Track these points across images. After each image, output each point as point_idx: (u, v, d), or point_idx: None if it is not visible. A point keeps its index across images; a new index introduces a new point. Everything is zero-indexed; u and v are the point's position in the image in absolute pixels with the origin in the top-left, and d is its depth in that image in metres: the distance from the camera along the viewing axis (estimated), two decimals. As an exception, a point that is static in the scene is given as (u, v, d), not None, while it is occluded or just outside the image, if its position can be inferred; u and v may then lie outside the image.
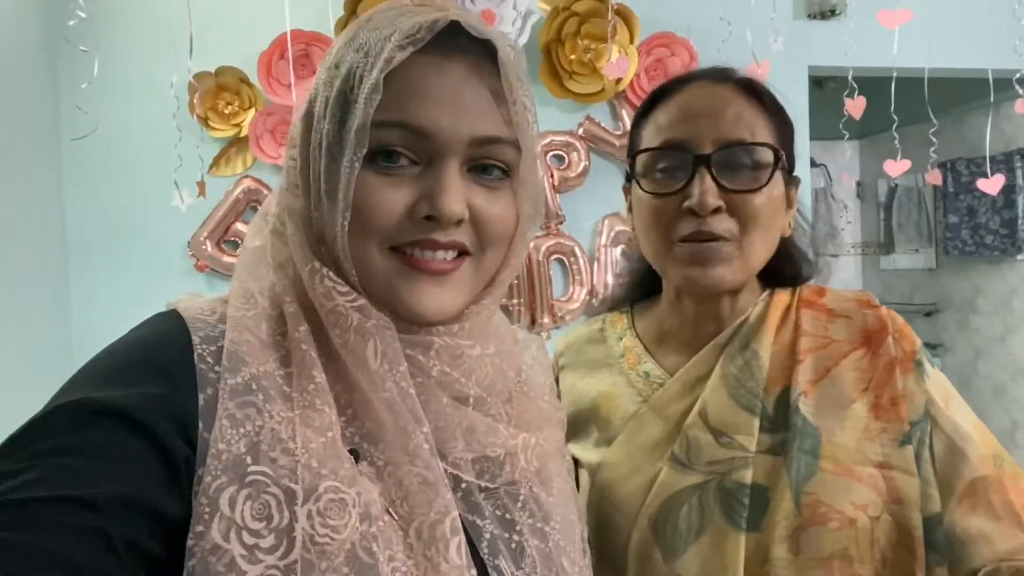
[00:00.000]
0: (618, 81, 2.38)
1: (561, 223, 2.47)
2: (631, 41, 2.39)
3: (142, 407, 0.46)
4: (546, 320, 2.44)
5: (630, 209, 0.90)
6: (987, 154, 2.60)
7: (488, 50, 0.57)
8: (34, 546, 0.41)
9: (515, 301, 2.42)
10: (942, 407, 0.78)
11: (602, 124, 2.47)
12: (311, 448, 0.50)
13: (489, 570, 0.56)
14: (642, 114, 0.88)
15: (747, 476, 0.76)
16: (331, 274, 0.54)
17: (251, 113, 2.31)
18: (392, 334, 0.55)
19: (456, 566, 0.51)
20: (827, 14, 2.57)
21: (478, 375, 0.60)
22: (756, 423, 0.78)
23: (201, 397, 0.49)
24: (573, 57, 2.36)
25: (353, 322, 0.53)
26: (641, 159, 0.84)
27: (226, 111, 2.29)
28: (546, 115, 2.40)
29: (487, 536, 0.57)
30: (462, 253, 0.58)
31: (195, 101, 2.19)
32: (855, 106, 2.36)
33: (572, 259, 2.47)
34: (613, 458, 0.83)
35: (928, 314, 3.89)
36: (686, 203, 0.79)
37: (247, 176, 2.35)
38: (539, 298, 2.44)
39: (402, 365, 0.55)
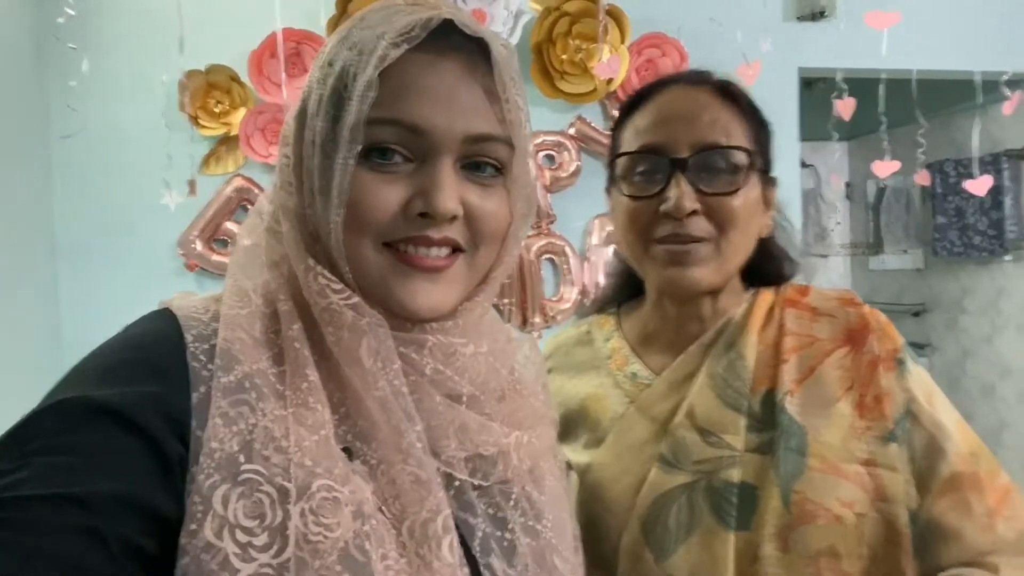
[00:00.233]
0: (609, 81, 2.39)
1: (552, 223, 2.47)
2: (622, 41, 2.40)
3: (135, 405, 0.46)
4: (537, 320, 2.44)
5: (611, 211, 0.91)
6: (975, 155, 2.62)
7: (481, 48, 0.58)
8: (28, 545, 0.41)
9: (506, 301, 2.42)
10: (923, 404, 0.79)
11: (593, 124, 2.47)
12: (304, 446, 0.50)
13: (481, 568, 0.56)
14: (622, 118, 0.89)
15: (735, 475, 0.76)
16: (325, 272, 0.54)
17: (242, 112, 2.31)
18: (386, 332, 0.55)
19: (448, 564, 0.52)
20: (816, 15, 2.59)
21: (471, 373, 0.60)
22: (743, 422, 0.79)
23: (194, 395, 0.49)
24: (564, 57, 2.36)
25: (347, 320, 0.53)
26: (620, 162, 0.86)
27: (216, 109, 2.28)
28: (537, 115, 2.40)
29: (479, 534, 0.57)
30: (456, 250, 0.58)
31: (185, 99, 2.18)
32: (844, 107, 2.38)
33: (563, 259, 2.47)
34: (602, 459, 0.84)
35: (916, 314, 3.91)
36: (663, 206, 0.80)
37: (238, 175, 2.34)
38: (530, 298, 2.44)
39: (395, 363, 0.55)
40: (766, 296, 0.88)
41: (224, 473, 0.47)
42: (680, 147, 0.81)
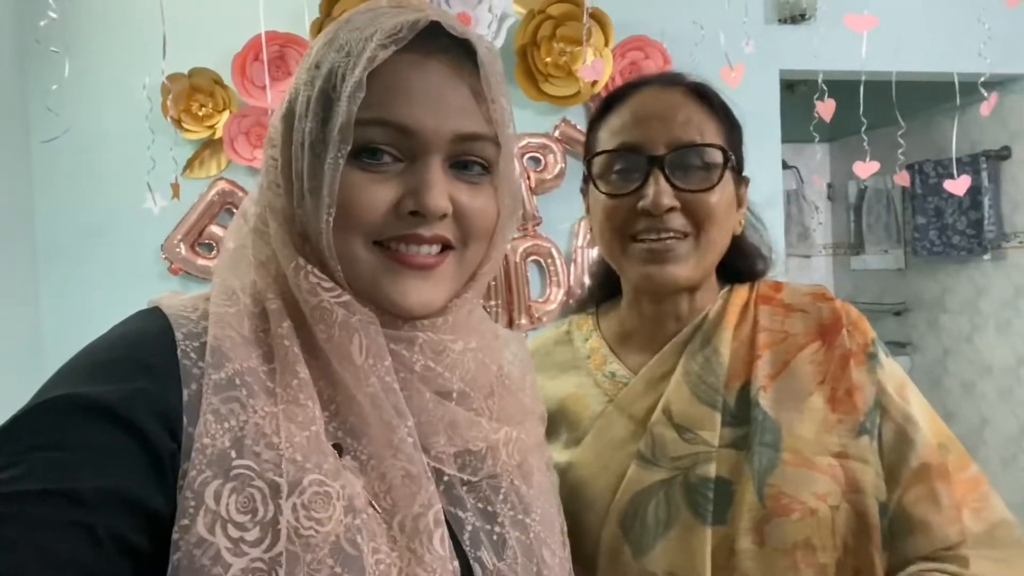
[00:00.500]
0: (593, 84, 2.40)
1: (538, 225, 2.48)
2: (606, 44, 2.41)
3: (127, 402, 0.47)
4: (523, 321, 2.45)
5: (588, 211, 0.92)
6: (953, 156, 2.66)
7: (467, 50, 0.59)
8: (20, 540, 0.41)
9: (493, 302, 2.42)
10: (893, 396, 0.80)
11: (578, 126, 2.48)
12: (295, 442, 0.50)
13: (471, 561, 0.57)
14: (597, 118, 0.90)
15: (711, 470, 0.78)
16: (316, 271, 0.55)
17: (225, 115, 2.30)
18: (376, 329, 0.55)
19: (439, 557, 0.52)
20: (797, 18, 2.62)
21: (461, 370, 0.61)
22: (718, 418, 0.80)
23: (185, 392, 0.50)
24: (548, 60, 2.38)
25: (338, 318, 0.54)
26: (597, 161, 0.87)
27: (200, 113, 2.27)
28: (522, 117, 2.41)
29: (469, 528, 0.58)
30: (446, 248, 0.59)
31: (168, 103, 2.17)
32: (825, 108, 2.41)
33: (549, 260, 2.48)
34: (582, 458, 0.85)
35: (897, 313, 3.95)
36: (641, 203, 0.81)
37: (221, 178, 2.33)
38: (516, 299, 2.45)
39: (386, 360, 0.55)
40: (740, 293, 0.90)
41: (216, 469, 0.47)
42: (657, 145, 0.82)
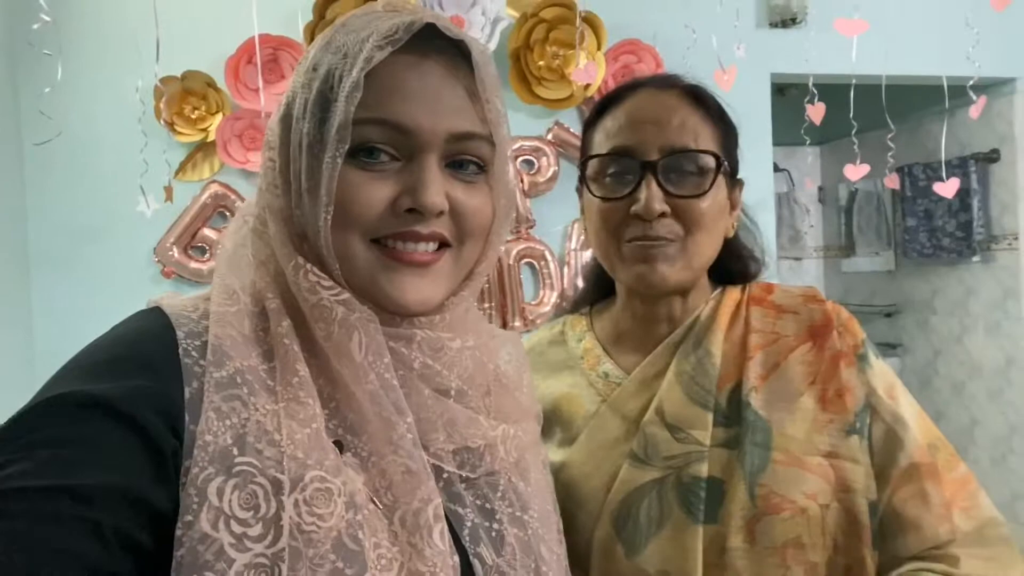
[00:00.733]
0: (586, 87, 2.41)
1: (531, 227, 2.49)
2: (599, 48, 2.43)
3: (129, 400, 0.47)
4: (517, 323, 2.46)
5: (583, 211, 0.93)
6: (943, 159, 2.68)
7: (461, 51, 0.60)
8: (24, 536, 0.41)
9: (486, 305, 2.43)
10: (883, 397, 0.81)
11: (571, 129, 2.50)
12: (296, 439, 0.51)
13: (471, 557, 0.57)
14: (592, 120, 0.91)
15: (703, 470, 0.78)
16: (315, 269, 0.56)
17: (218, 118, 2.30)
18: (376, 327, 0.56)
19: (439, 551, 0.53)
20: (788, 22, 2.64)
21: (459, 368, 0.61)
22: (710, 418, 0.81)
23: (187, 390, 0.50)
24: (542, 63, 2.38)
25: (338, 315, 0.55)
26: (591, 164, 0.88)
27: (193, 116, 2.27)
28: (516, 121, 2.42)
29: (468, 524, 0.59)
30: (442, 246, 0.60)
31: (161, 106, 2.17)
32: (815, 111, 2.43)
33: (542, 263, 2.49)
34: (575, 457, 0.85)
35: (888, 315, 3.98)
36: (633, 208, 0.82)
37: (214, 181, 2.33)
38: (510, 302, 2.46)
39: (386, 357, 0.56)
40: (733, 294, 0.91)
41: (218, 466, 0.48)
42: (650, 150, 0.83)
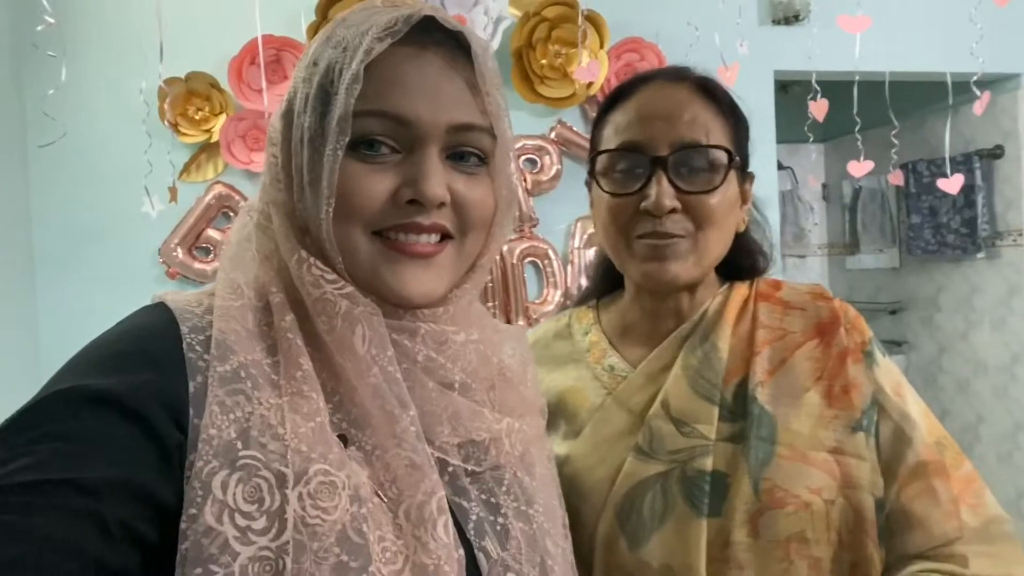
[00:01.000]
0: (589, 85, 2.41)
1: (535, 226, 2.49)
2: (601, 46, 2.42)
3: (134, 394, 0.47)
4: (520, 322, 2.46)
5: (592, 205, 0.92)
6: (947, 155, 2.67)
7: (460, 43, 0.60)
8: (31, 529, 0.42)
9: (490, 304, 2.43)
10: (890, 395, 0.81)
11: (574, 128, 2.50)
12: (300, 433, 0.51)
13: (476, 551, 0.57)
14: (602, 114, 0.90)
15: (708, 464, 0.78)
16: (318, 263, 0.56)
17: (222, 118, 2.30)
18: (379, 320, 0.56)
19: (444, 544, 0.53)
20: (791, 19, 2.63)
21: (463, 361, 0.61)
22: (716, 412, 0.81)
23: (191, 384, 0.50)
24: (544, 62, 2.39)
25: (341, 309, 0.55)
26: (600, 159, 0.87)
27: (196, 117, 2.28)
28: (518, 119, 2.42)
29: (473, 518, 0.59)
30: (445, 237, 0.60)
31: (165, 107, 2.18)
32: (818, 108, 2.42)
33: (546, 262, 2.49)
34: (579, 450, 0.85)
35: (893, 312, 3.97)
36: (643, 204, 0.82)
37: (218, 182, 2.34)
38: (513, 300, 2.46)
39: (389, 351, 0.56)
40: (740, 290, 0.90)
41: (222, 459, 0.48)
42: (660, 145, 0.82)
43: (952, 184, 2.52)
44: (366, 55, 0.55)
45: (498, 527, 0.60)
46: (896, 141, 2.46)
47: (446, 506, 0.55)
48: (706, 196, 0.82)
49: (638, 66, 2.47)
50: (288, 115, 0.59)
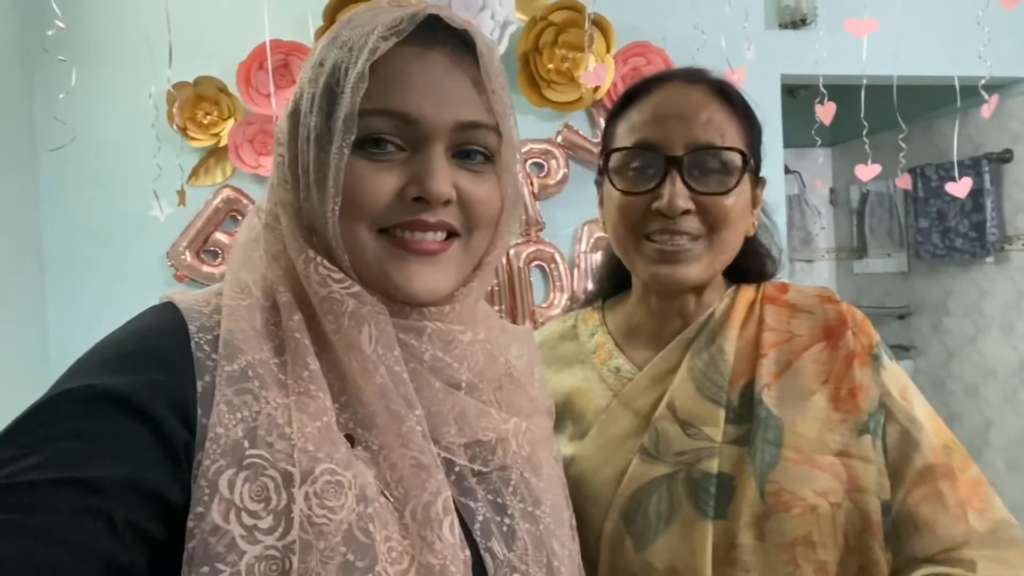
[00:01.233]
0: (596, 89, 2.42)
1: (541, 230, 2.49)
2: (608, 50, 2.43)
3: (142, 393, 0.48)
4: (527, 326, 2.46)
5: (601, 203, 0.92)
6: (955, 159, 2.66)
7: (466, 41, 0.60)
8: (39, 528, 0.42)
9: (496, 307, 2.43)
10: (897, 398, 0.81)
11: (580, 132, 2.50)
12: (307, 432, 0.51)
13: (482, 552, 0.57)
14: (616, 112, 0.90)
15: (713, 466, 0.78)
16: (325, 262, 0.56)
17: (230, 123, 2.32)
18: (386, 319, 0.56)
19: (450, 545, 0.53)
20: (798, 23, 2.63)
21: (469, 361, 0.61)
22: (722, 415, 0.81)
23: (199, 384, 0.50)
24: (551, 66, 2.39)
25: (348, 308, 0.55)
26: (614, 156, 0.87)
27: (205, 121, 2.29)
28: (525, 123, 2.42)
29: (480, 519, 0.59)
30: (451, 235, 0.60)
31: (174, 111, 2.19)
32: (824, 111, 2.41)
33: (552, 266, 2.49)
34: (585, 451, 0.85)
35: (901, 317, 3.95)
36: (655, 204, 0.81)
37: (226, 186, 2.35)
38: (520, 304, 2.46)
39: (395, 350, 0.56)
40: (747, 293, 0.90)
41: (229, 458, 0.48)
42: (675, 146, 0.82)
43: (960, 188, 2.50)
44: (371, 54, 0.55)
45: (504, 528, 0.60)
46: (904, 145, 2.45)
47: (452, 506, 0.55)
48: (719, 198, 0.82)
49: (645, 70, 2.47)
50: (294, 115, 0.59)
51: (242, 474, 0.48)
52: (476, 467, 0.61)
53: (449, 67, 0.58)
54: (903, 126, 2.42)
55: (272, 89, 2.24)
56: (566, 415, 0.90)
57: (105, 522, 0.44)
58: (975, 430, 3.40)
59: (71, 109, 2.11)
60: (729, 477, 0.78)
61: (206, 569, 0.45)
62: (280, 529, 0.48)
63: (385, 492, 0.54)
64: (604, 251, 1.03)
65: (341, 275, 0.56)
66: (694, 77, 0.87)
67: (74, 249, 2.30)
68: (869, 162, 2.40)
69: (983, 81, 2.31)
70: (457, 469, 0.60)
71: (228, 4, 2.22)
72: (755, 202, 0.89)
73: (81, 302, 2.29)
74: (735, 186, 0.82)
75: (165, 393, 0.49)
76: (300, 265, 0.56)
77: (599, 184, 0.92)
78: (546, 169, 2.49)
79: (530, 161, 2.48)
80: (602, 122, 2.52)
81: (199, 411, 0.49)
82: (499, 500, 0.61)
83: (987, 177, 3.21)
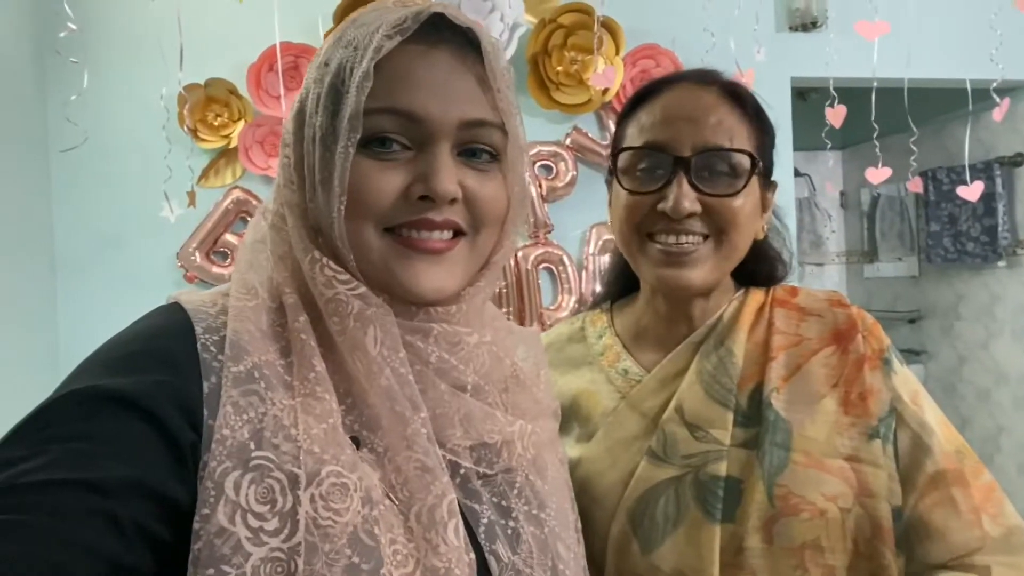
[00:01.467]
0: (604, 92, 2.41)
1: (549, 232, 2.49)
2: (617, 52, 2.43)
3: (148, 394, 0.48)
4: (535, 327, 2.45)
5: (610, 203, 0.92)
6: (966, 162, 2.65)
7: (471, 40, 0.60)
8: (45, 528, 0.42)
9: (504, 310, 2.43)
10: (908, 403, 0.80)
11: (589, 134, 2.50)
12: (312, 434, 0.51)
13: (486, 554, 0.57)
14: (627, 112, 0.89)
15: (721, 469, 0.78)
16: (331, 263, 0.56)
17: (240, 125, 2.33)
18: (391, 320, 0.56)
19: (454, 548, 0.53)
20: (808, 26, 2.62)
21: (475, 363, 0.61)
22: (730, 418, 0.80)
23: (205, 385, 0.50)
24: (560, 68, 2.39)
25: (353, 309, 0.55)
26: (623, 156, 0.86)
27: (215, 123, 2.31)
28: (534, 126, 2.42)
29: (484, 521, 0.59)
30: (457, 234, 0.60)
31: (185, 113, 2.20)
32: (835, 114, 2.40)
33: (560, 268, 2.49)
34: (592, 453, 0.85)
35: (912, 321, 3.92)
36: (661, 205, 0.81)
37: (236, 187, 2.36)
38: (528, 306, 2.46)
39: (401, 352, 0.56)
40: (756, 296, 0.90)
41: (235, 460, 0.48)
42: (683, 147, 0.81)
43: (972, 191, 2.49)
44: (376, 53, 0.55)
45: (509, 531, 0.59)
46: (915, 148, 2.44)
47: (457, 509, 0.55)
48: (726, 200, 0.81)
49: (654, 72, 2.47)
50: (300, 115, 0.59)
51: (248, 476, 0.48)
52: (481, 470, 0.60)
53: (454, 65, 0.58)
54: (914, 129, 2.41)
55: (282, 91, 2.25)
56: (573, 417, 0.90)
57: (111, 523, 0.43)
58: (986, 435, 3.38)
59: (83, 111, 2.13)
60: (737, 480, 0.77)
61: (211, 571, 0.45)
62: (286, 531, 0.48)
63: (390, 494, 0.54)
64: (612, 253, 1.03)
65: (347, 276, 0.56)
66: (706, 79, 0.86)
67: (85, 250, 2.32)
68: (880, 165, 2.39)
69: (995, 84, 2.30)
70: (462, 471, 0.59)
71: (239, 6, 2.23)
72: (765, 205, 0.89)
73: (91, 302, 2.31)
74: (743, 188, 0.81)
75: (171, 394, 0.49)
76: (306, 266, 0.56)
77: (609, 184, 0.92)
78: (555, 171, 2.48)
79: (539, 163, 2.48)
80: (611, 124, 2.53)
81: (205, 412, 0.49)
82: (504, 503, 0.61)
83: (999, 181, 3.19)
